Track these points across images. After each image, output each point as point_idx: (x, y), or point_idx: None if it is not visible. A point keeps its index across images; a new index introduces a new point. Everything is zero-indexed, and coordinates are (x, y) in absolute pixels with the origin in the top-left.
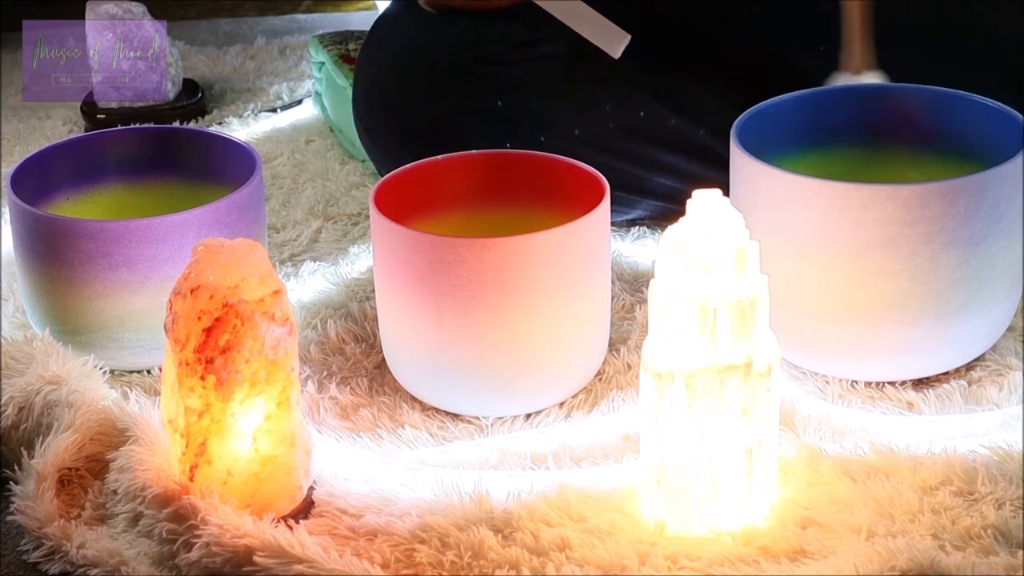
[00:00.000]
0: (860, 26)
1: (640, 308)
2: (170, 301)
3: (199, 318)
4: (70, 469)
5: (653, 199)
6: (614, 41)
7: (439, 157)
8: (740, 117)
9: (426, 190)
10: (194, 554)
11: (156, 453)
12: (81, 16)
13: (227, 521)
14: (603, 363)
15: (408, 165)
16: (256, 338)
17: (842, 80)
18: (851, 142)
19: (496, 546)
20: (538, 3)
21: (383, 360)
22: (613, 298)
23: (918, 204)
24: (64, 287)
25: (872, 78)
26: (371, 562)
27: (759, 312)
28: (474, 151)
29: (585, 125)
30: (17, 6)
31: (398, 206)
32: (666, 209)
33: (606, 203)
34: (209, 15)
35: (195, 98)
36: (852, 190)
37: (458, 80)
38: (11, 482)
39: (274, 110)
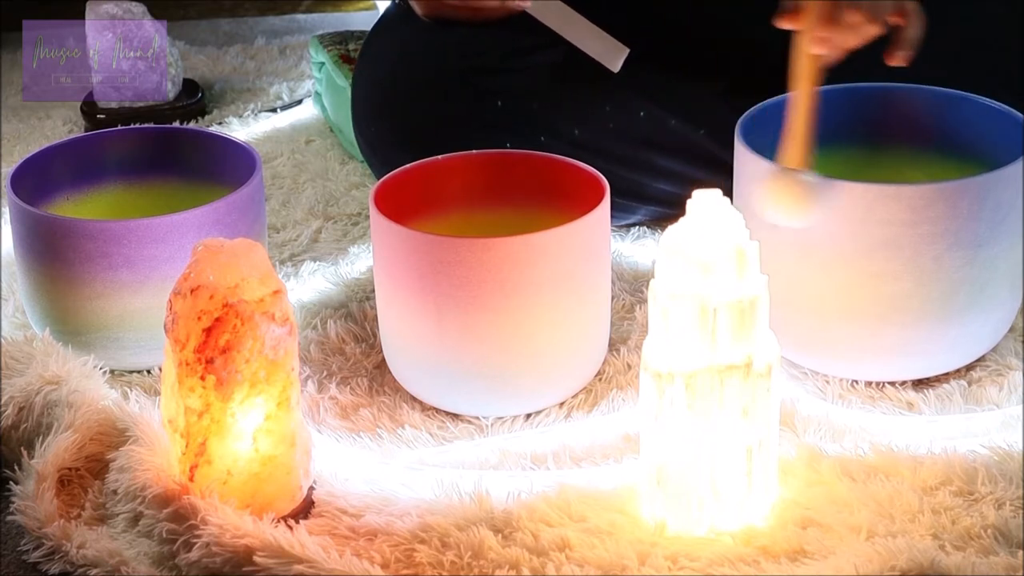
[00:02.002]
0: (805, 121)
1: (640, 308)
2: (170, 301)
3: (199, 318)
4: (70, 469)
5: (653, 204)
6: (613, 55)
7: (439, 157)
8: (744, 116)
9: (426, 190)
10: (194, 554)
11: (156, 453)
12: (81, 16)
13: (227, 521)
14: (603, 363)
15: (408, 165)
16: (256, 338)
17: (781, 176)
18: (853, 142)
19: (496, 546)
20: (536, 16)
21: (383, 360)
22: (613, 298)
23: (922, 205)
24: (64, 287)
25: (809, 177)
26: (371, 562)
27: (759, 312)
28: (474, 151)
29: (584, 127)
30: (17, 6)
31: (398, 206)
32: (665, 214)
33: (606, 203)
34: (209, 15)
35: (195, 98)
36: (857, 190)
37: (457, 88)
38: (11, 482)
39: (274, 110)
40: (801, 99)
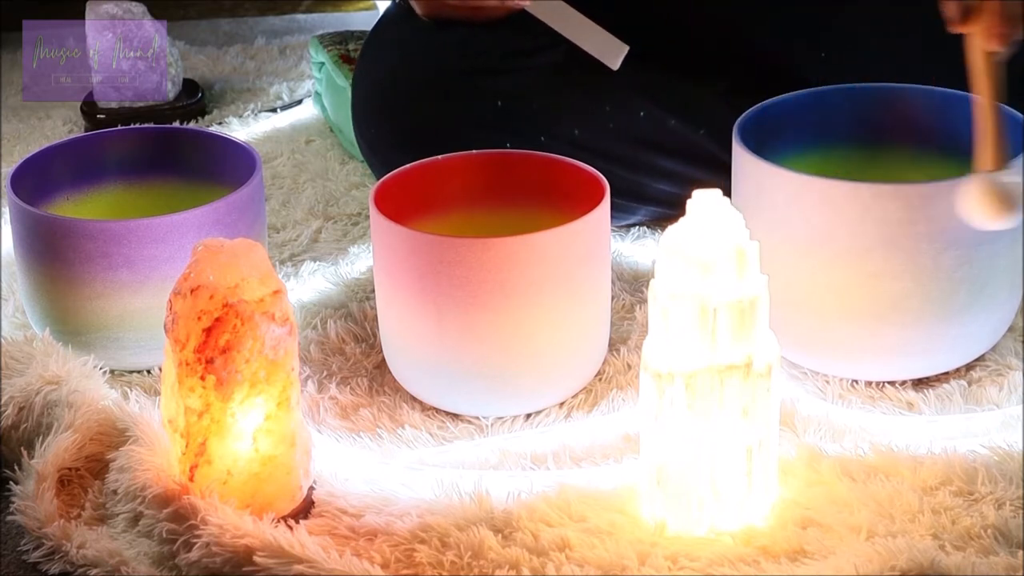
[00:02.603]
0: (992, 122)
1: (640, 308)
2: (170, 301)
3: (199, 318)
4: (70, 469)
5: (653, 204)
6: (613, 53)
7: (439, 157)
8: (742, 116)
9: (426, 190)
10: (194, 554)
11: (156, 453)
12: (81, 16)
13: (227, 521)
14: (603, 363)
15: (408, 165)
16: (256, 338)
17: (979, 180)
18: (852, 142)
19: (496, 546)
20: (536, 15)
21: (383, 360)
22: (613, 298)
23: (920, 204)
24: (64, 287)
25: (1011, 176)
26: (371, 562)
27: (759, 312)
28: (474, 151)
29: (584, 127)
30: (17, 6)
31: (398, 206)
32: (665, 214)
33: (606, 203)
34: (209, 15)
35: (195, 98)
36: (855, 189)
37: (457, 88)
38: (11, 482)
39: (274, 110)
40: (986, 99)
